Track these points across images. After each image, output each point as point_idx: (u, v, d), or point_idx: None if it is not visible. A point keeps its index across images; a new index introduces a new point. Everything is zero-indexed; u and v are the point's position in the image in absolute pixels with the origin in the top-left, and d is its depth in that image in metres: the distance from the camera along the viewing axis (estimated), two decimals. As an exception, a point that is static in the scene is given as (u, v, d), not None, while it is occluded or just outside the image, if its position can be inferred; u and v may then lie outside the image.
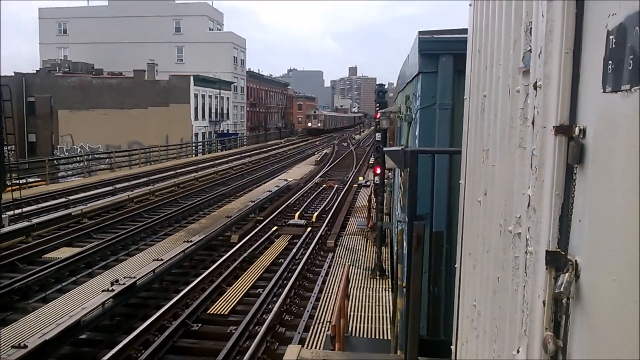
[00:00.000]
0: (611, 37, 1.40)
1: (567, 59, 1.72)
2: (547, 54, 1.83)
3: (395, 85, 16.05)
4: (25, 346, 7.79)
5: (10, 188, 17.27)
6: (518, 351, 2.12)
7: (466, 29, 3.98)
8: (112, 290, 10.33)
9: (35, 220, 17.15)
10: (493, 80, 2.90)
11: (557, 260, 1.74)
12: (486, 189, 3.01)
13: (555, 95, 1.77)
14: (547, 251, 1.80)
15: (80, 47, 70.39)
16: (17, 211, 17.10)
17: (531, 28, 2.09)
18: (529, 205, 2.02)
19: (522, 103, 2.21)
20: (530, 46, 2.10)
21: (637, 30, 1.25)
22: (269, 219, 19.30)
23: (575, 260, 1.62)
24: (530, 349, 1.96)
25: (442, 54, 5.81)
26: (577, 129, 1.63)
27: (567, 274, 1.63)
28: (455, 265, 4.09)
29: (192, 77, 56.38)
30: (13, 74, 53.80)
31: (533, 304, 1.93)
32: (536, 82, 1.94)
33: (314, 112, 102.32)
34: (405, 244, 6.34)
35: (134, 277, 11.08)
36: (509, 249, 2.38)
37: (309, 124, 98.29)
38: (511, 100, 2.44)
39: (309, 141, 76.13)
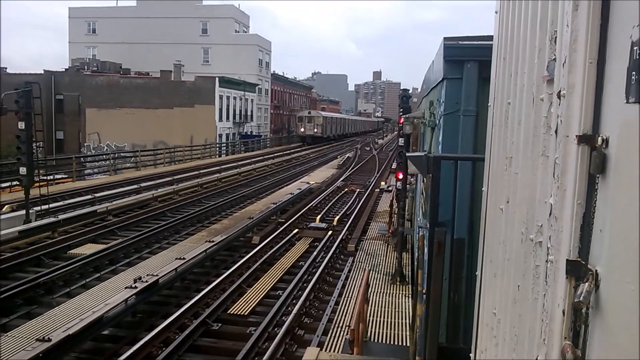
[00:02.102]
0: (635, 47, 1.41)
1: (591, 69, 1.72)
2: (571, 63, 1.83)
3: (419, 90, 16.00)
4: (49, 340, 7.93)
5: (38, 184, 17.62)
6: (537, 360, 2.12)
7: (491, 36, 3.97)
8: (135, 287, 10.45)
9: (61, 216, 17.43)
10: (517, 88, 2.90)
11: (578, 270, 1.74)
12: (508, 196, 3.00)
13: (579, 104, 1.78)
14: (567, 260, 1.81)
15: (109, 46, 71.55)
16: (44, 207, 17.45)
17: (556, 37, 2.09)
18: (550, 214, 2.02)
19: (546, 112, 2.21)
20: (554, 55, 2.11)
21: None
22: (290, 222, 19.36)
23: (596, 270, 1.62)
24: (548, 358, 1.96)
25: (467, 61, 5.81)
26: (599, 139, 1.64)
27: (587, 284, 1.63)
28: (476, 273, 4.08)
29: (217, 79, 56.89)
30: (43, 72, 54.89)
31: (553, 313, 1.93)
32: (560, 91, 1.95)
33: (309, 112, 76.34)
34: (426, 250, 6.33)
35: (157, 275, 11.20)
36: (529, 257, 2.38)
37: (302, 130, 73.43)
38: (535, 108, 2.44)
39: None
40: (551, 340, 1.93)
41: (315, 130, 72.45)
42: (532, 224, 2.34)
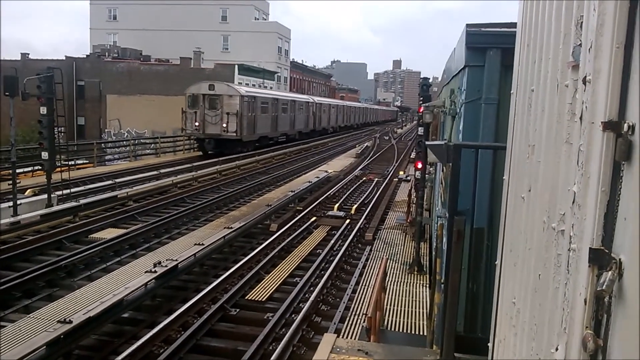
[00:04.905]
0: None
1: (618, 54, 1.69)
2: (598, 48, 1.80)
3: (439, 80, 15.87)
4: (70, 321, 8.06)
5: (59, 169, 17.86)
6: (557, 349, 2.10)
7: (514, 23, 3.93)
8: (155, 271, 10.57)
9: (82, 201, 17.67)
10: (541, 75, 2.86)
11: (601, 258, 1.72)
12: (530, 185, 2.97)
13: (605, 90, 1.75)
14: (590, 249, 1.78)
15: (129, 33, 71.92)
16: (65, 191, 17.68)
17: (582, 22, 2.06)
18: (573, 202, 2.00)
19: (571, 98, 2.18)
20: (580, 40, 2.07)
21: None
22: (308, 209, 19.38)
23: (619, 259, 1.60)
24: (569, 347, 1.95)
25: (490, 48, 5.74)
26: (625, 125, 1.61)
27: (610, 272, 1.62)
28: (496, 262, 4.06)
29: (236, 66, 56.97)
30: (64, 58, 55.41)
31: (574, 302, 1.92)
32: (585, 76, 1.92)
33: (210, 87, 36.51)
34: (445, 239, 6.31)
35: (176, 260, 11.32)
36: (551, 246, 2.36)
37: (195, 124, 35.87)
38: (559, 95, 2.41)
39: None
40: (572, 329, 1.91)
41: (225, 125, 35.32)
42: (555, 213, 2.32)
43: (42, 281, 11.40)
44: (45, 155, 16.58)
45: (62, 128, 18.67)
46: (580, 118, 1.98)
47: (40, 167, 19.40)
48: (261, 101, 40.76)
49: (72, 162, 24.76)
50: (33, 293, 10.95)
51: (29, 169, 23.80)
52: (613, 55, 1.70)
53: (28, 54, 58.02)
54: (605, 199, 1.73)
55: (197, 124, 35.71)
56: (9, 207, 15.43)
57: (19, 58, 55.02)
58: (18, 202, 15.66)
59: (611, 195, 1.71)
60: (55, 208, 16.60)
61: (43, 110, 16.18)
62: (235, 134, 35.57)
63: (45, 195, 16.88)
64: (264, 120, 41.16)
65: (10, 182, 16.01)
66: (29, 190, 18.81)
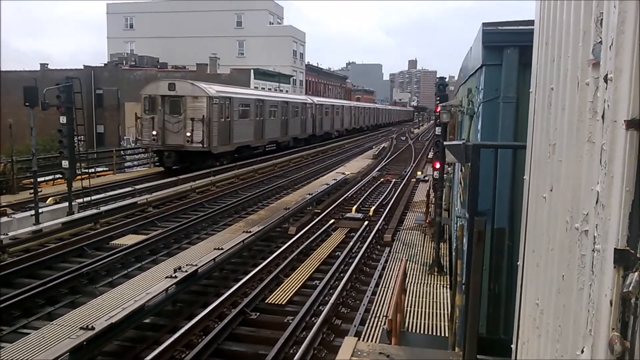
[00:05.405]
0: None
1: None
2: (619, 45, 1.77)
3: (456, 78, 15.78)
4: (92, 328, 8.14)
5: (80, 177, 18.07)
6: (582, 351, 2.07)
7: (531, 21, 3.89)
8: (175, 277, 10.63)
9: (103, 208, 17.84)
10: (561, 73, 2.82)
11: (626, 259, 1.69)
12: (552, 184, 2.94)
13: (627, 88, 1.72)
14: (615, 249, 1.75)
15: (146, 41, 72.75)
16: (86, 199, 17.88)
17: (602, 19, 2.03)
18: (597, 202, 1.97)
19: (592, 96, 2.15)
20: (600, 38, 2.04)
21: None
22: (326, 212, 19.37)
23: (646, 260, 1.57)
24: (595, 350, 1.91)
25: (507, 46, 5.70)
26: (650, 124, 1.58)
27: (636, 273, 1.59)
28: (518, 263, 4.02)
29: (252, 71, 57.29)
30: (82, 67, 56.13)
31: (599, 304, 1.89)
32: (607, 74, 1.88)
33: (170, 87, 28.63)
34: (465, 240, 6.26)
35: (196, 265, 11.37)
36: (575, 246, 2.32)
37: (153, 133, 28.47)
38: (580, 93, 2.37)
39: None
40: (598, 331, 1.88)
41: (189, 134, 28.48)
42: (578, 213, 2.28)
43: (64, 288, 11.53)
44: (65, 163, 16.79)
45: (82, 136, 18.88)
46: (602, 116, 1.94)
47: (61, 176, 19.63)
48: (240, 103, 33.34)
49: (92, 170, 25.04)
50: (56, 300, 11.09)
51: (50, 177, 24.10)
52: (635, 53, 1.68)
53: (47, 64, 59.00)
54: (630, 198, 1.70)
55: (154, 132, 28.57)
56: (31, 215, 15.64)
57: (38, 69, 55.87)
58: (40, 210, 15.87)
59: (636, 195, 1.68)
60: (77, 216, 16.79)
61: (63, 119, 16.39)
62: (201, 145, 28.49)
63: (67, 203, 17.10)
64: (243, 126, 33.71)
65: (32, 190, 16.24)
66: (50, 199, 19.05)
